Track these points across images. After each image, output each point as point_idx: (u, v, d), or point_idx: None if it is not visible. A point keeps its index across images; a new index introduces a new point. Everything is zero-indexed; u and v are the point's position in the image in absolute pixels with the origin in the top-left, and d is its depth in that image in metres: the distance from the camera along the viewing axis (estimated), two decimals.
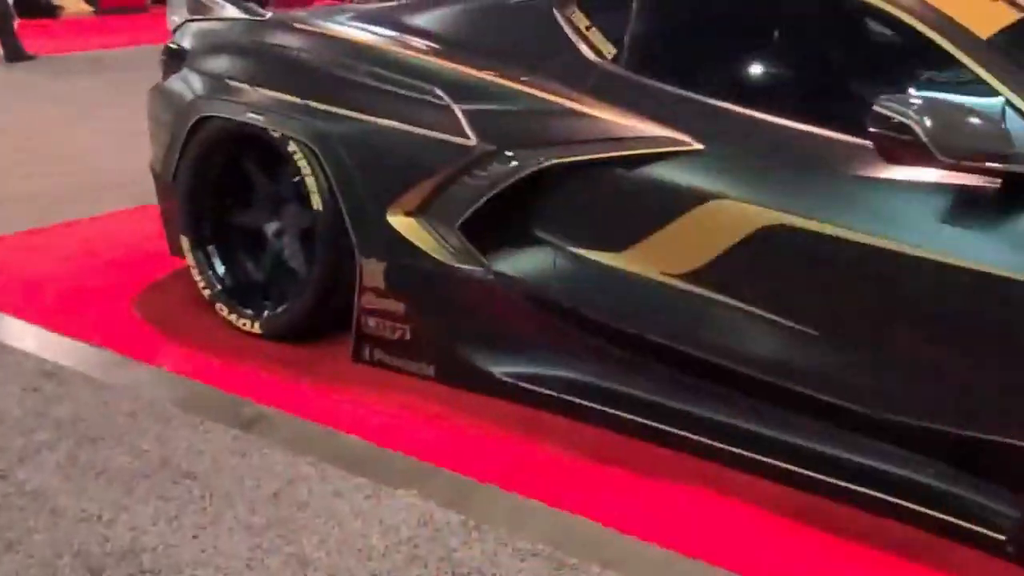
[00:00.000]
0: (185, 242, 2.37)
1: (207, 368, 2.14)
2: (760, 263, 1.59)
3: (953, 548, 1.40)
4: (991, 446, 1.35)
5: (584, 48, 1.89)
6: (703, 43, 2.00)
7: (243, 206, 2.36)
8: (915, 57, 1.71)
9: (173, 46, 2.46)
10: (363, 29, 2.20)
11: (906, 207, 1.46)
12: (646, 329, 1.70)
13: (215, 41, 2.38)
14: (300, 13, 2.55)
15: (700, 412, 1.66)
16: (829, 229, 1.45)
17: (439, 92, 1.92)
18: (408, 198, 1.93)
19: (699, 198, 1.60)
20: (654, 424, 1.70)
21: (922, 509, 1.42)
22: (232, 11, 2.38)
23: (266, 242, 2.34)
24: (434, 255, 1.90)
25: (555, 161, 1.74)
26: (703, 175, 1.62)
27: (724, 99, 1.70)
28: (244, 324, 2.28)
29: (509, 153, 1.79)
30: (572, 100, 1.80)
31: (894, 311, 1.47)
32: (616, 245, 1.74)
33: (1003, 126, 1.31)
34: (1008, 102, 1.38)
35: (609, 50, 1.88)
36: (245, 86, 2.16)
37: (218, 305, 2.33)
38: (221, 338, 2.28)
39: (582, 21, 1.94)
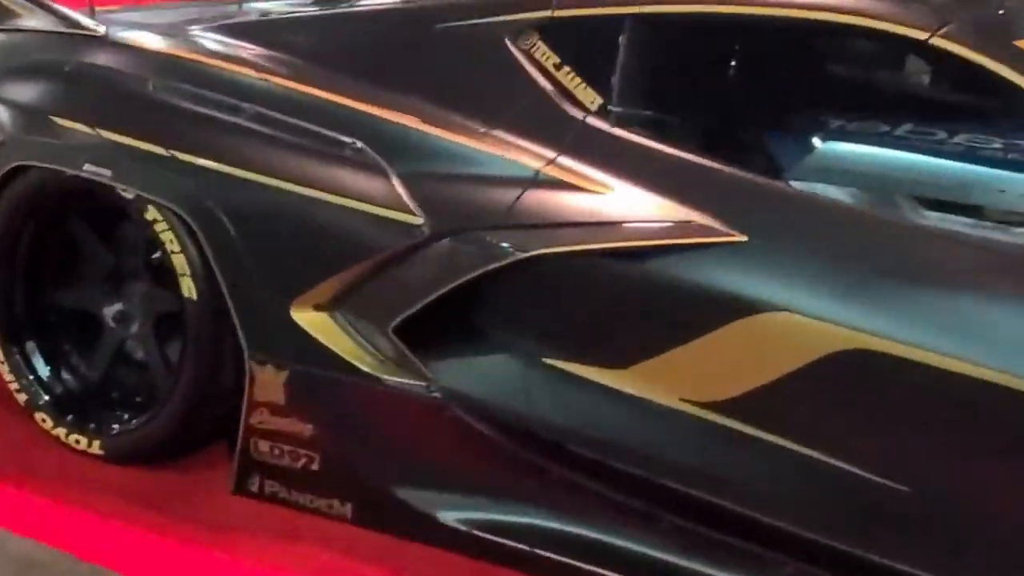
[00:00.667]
0: None
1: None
2: (829, 395, 1.21)
3: None
4: None
5: (555, 94, 1.47)
6: (737, 95, 1.61)
7: (68, 282, 1.76)
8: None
9: None
10: (243, 53, 1.67)
11: None
12: (652, 468, 1.31)
13: (29, 61, 1.74)
14: (141, 20, 1.91)
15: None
16: (935, 360, 1.10)
17: (363, 147, 1.44)
18: (321, 289, 1.43)
19: (744, 308, 1.21)
20: None
21: None
22: (47, 20, 1.75)
23: (102, 330, 1.74)
24: (356, 363, 1.41)
25: (542, 251, 1.29)
26: (749, 277, 1.24)
27: (772, 175, 1.33)
28: (78, 442, 1.68)
29: (471, 236, 1.33)
30: (552, 165, 1.37)
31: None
32: (615, 360, 1.32)
33: None
34: None
35: (592, 99, 1.46)
36: (81, 127, 1.55)
37: (39, 416, 1.72)
38: (45, 464, 1.67)
39: (549, 58, 1.52)
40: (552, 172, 1.36)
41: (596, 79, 1.46)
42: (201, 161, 1.46)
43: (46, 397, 1.72)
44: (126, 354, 1.75)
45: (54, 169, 1.59)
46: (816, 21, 1.43)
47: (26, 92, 1.69)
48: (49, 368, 1.75)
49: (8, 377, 1.74)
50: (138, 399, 1.71)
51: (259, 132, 1.50)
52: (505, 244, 1.30)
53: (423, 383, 1.40)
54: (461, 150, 1.43)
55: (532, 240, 1.31)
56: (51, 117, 1.59)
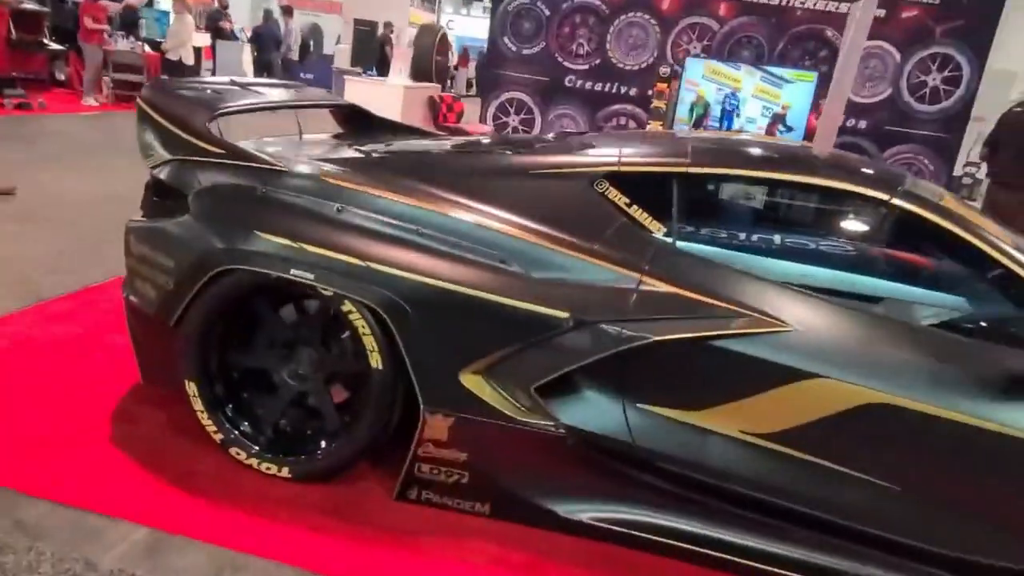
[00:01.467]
0: (192, 387, 2.26)
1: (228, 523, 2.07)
2: (851, 431, 1.92)
3: None
4: None
5: (632, 225, 2.15)
6: (767, 229, 2.35)
7: (248, 348, 2.31)
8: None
9: (163, 183, 2.31)
10: (396, 185, 2.23)
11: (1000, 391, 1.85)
12: (715, 474, 2.03)
13: (231, 189, 2.26)
14: (319, 162, 2.38)
15: (751, 542, 2.04)
16: (931, 409, 1.84)
17: (511, 261, 2.07)
18: (483, 361, 2.05)
19: (794, 375, 1.91)
20: (710, 553, 2.04)
21: None
22: (236, 155, 2.29)
23: (280, 385, 2.31)
24: (506, 411, 2.05)
25: (655, 339, 1.95)
26: (798, 355, 1.93)
27: (790, 284, 2.04)
28: (268, 469, 2.24)
29: (603, 328, 1.98)
30: (646, 276, 2.04)
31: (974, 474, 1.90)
32: (694, 406, 2.02)
33: None
34: None
35: (658, 228, 2.15)
36: (284, 240, 2.10)
37: (234, 450, 2.26)
38: (243, 488, 2.21)
39: (619, 197, 2.19)
40: (648, 280, 2.04)
41: (657, 214, 2.15)
42: (392, 270, 2.04)
43: (239, 436, 2.26)
44: (296, 400, 2.31)
45: (258, 272, 2.12)
46: (797, 182, 2.20)
47: (226, 211, 2.20)
48: (238, 413, 2.29)
49: (206, 422, 2.27)
50: (311, 434, 2.28)
51: (432, 248, 2.10)
52: (627, 332, 1.97)
53: (551, 423, 2.06)
54: (579, 263, 2.08)
55: (644, 330, 1.97)
56: (256, 232, 2.12)
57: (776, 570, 2.00)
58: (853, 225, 2.47)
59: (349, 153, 2.56)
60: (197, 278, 2.14)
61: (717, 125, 6.22)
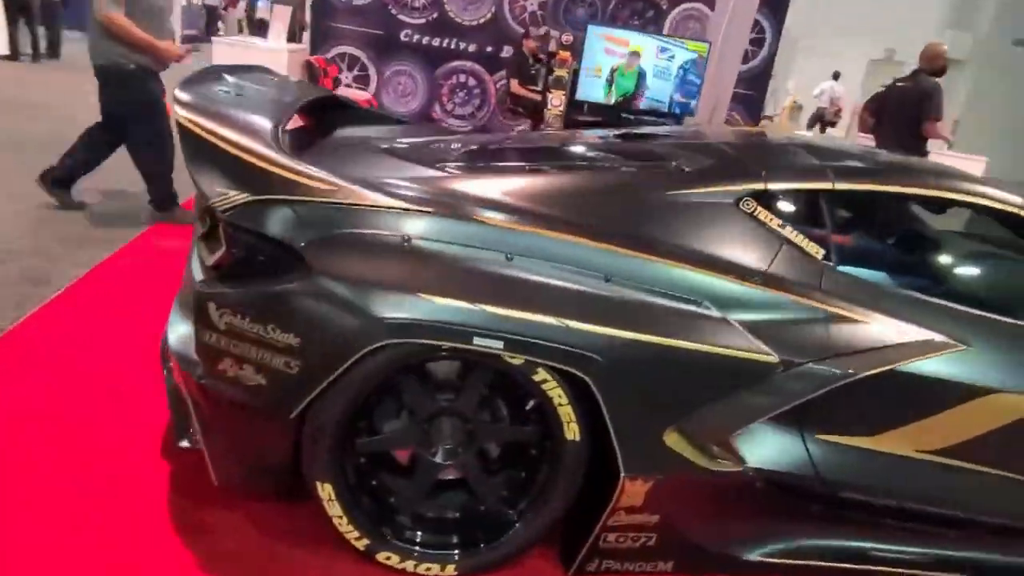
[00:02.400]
0: (327, 490, 1.81)
1: None
2: (1017, 439, 2.03)
3: None
4: None
5: (792, 248, 2.05)
6: (923, 253, 2.32)
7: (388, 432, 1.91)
8: None
9: (248, 231, 1.75)
10: (573, 227, 1.92)
11: None
12: (892, 495, 2.07)
13: (369, 240, 1.78)
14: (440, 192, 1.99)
15: (918, 551, 2.12)
16: None
17: (707, 303, 1.88)
18: (688, 416, 1.87)
19: (972, 393, 1.97)
20: (884, 569, 2.10)
21: None
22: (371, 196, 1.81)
23: (424, 469, 1.93)
24: (706, 465, 1.90)
25: (864, 375, 1.89)
26: (976, 373, 1.99)
27: (960, 303, 2.08)
28: (429, 569, 1.88)
29: (813, 367, 1.88)
30: (829, 305, 1.96)
31: None
32: (872, 431, 2.01)
33: None
34: None
35: (816, 250, 2.07)
36: (461, 304, 1.70)
37: (384, 554, 1.86)
38: None
39: (771, 219, 2.08)
40: (832, 310, 1.96)
41: (812, 234, 2.07)
42: (591, 327, 1.75)
43: (388, 537, 1.86)
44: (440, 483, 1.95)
45: (427, 344, 1.72)
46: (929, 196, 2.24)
47: (375, 271, 1.73)
48: (380, 510, 1.88)
49: (346, 528, 1.84)
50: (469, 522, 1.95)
51: (625, 297, 1.83)
52: (836, 371, 1.89)
53: (741, 468, 1.95)
54: (768, 299, 1.94)
55: (849, 365, 1.90)
56: (422, 295, 1.70)
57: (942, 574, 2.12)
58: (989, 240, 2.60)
59: (428, 171, 2.14)
60: (344, 358, 1.68)
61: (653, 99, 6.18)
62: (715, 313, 1.88)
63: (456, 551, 1.92)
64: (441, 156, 2.36)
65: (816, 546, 2.09)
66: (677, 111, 6.30)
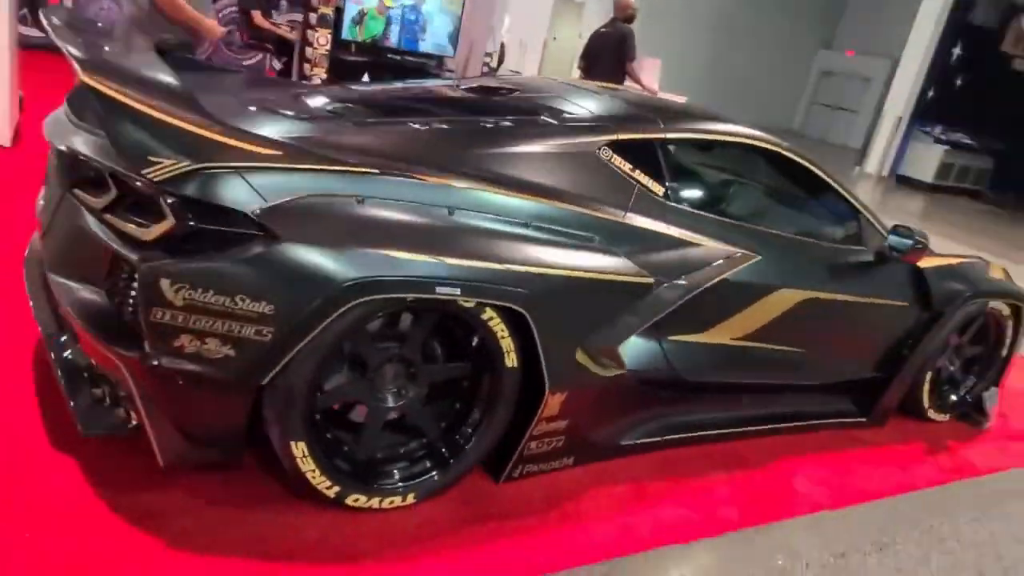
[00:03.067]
0: (300, 448, 1.88)
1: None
2: (791, 321, 2.74)
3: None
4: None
5: (643, 189, 2.50)
6: (723, 185, 2.84)
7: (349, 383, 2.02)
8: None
9: (189, 200, 1.69)
10: (489, 178, 2.16)
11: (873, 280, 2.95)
12: (718, 374, 2.69)
13: (326, 203, 1.83)
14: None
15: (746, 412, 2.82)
16: (832, 296, 2.80)
17: (596, 239, 2.25)
18: (595, 336, 2.24)
19: (764, 291, 2.63)
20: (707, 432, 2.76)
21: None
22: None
23: (375, 412, 2.07)
24: (603, 374, 2.32)
25: (707, 285, 2.42)
26: (767, 276, 2.63)
27: (750, 223, 2.73)
28: (393, 502, 2.07)
29: (675, 283, 2.36)
30: (675, 233, 2.46)
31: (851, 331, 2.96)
32: (703, 328, 2.58)
33: None
34: None
35: (658, 188, 2.54)
36: (424, 257, 1.84)
37: (352, 497, 2.00)
38: (384, 533, 2.00)
39: (623, 163, 2.51)
40: (678, 237, 2.46)
41: (655, 178, 2.53)
42: (526, 268, 2.01)
43: (352, 480, 1.99)
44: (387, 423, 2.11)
45: (394, 298, 1.85)
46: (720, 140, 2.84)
47: (338, 231, 1.79)
48: (343, 456, 1.99)
49: (319, 479, 1.93)
50: (420, 453, 2.14)
51: (544, 239, 2.11)
52: (687, 284, 2.39)
53: (624, 372, 2.40)
54: (635, 232, 2.37)
55: (703, 280, 2.42)
56: (387, 252, 1.81)
57: (744, 429, 2.85)
58: (762, 171, 3.23)
59: (347, 130, 2.19)
60: (321, 319, 1.74)
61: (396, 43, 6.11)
62: (606, 247, 2.26)
63: (412, 482, 2.10)
64: (340, 114, 2.39)
65: (671, 423, 2.66)
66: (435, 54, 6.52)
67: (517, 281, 2.01)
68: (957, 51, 14.26)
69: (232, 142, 1.79)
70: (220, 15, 8.44)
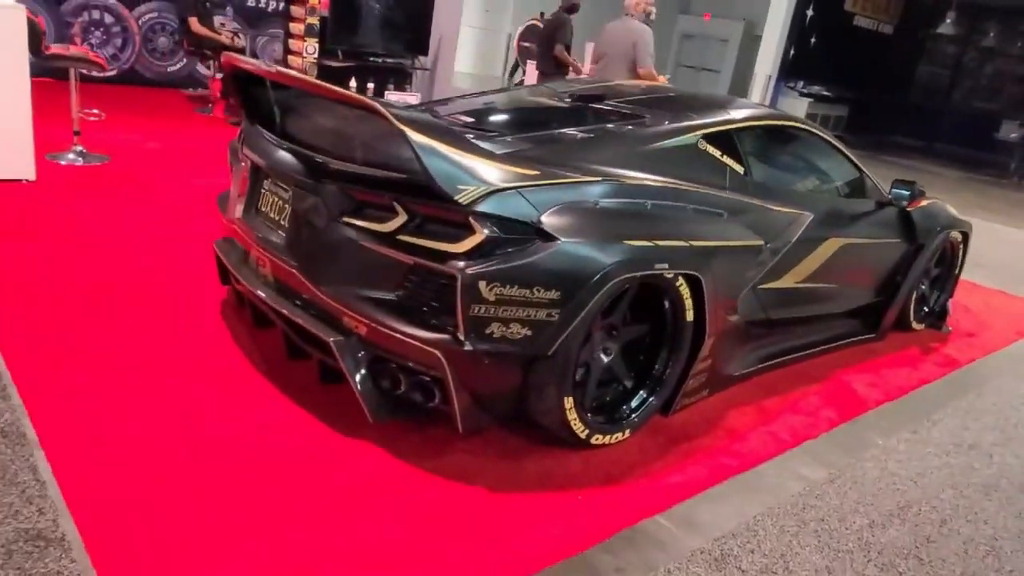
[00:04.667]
0: (570, 402, 2.38)
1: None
2: (831, 263, 3.44)
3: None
4: None
5: (731, 171, 3.11)
6: (776, 159, 3.50)
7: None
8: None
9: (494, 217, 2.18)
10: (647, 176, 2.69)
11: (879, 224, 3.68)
12: (792, 310, 3.39)
13: (579, 208, 2.37)
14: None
15: (814, 337, 3.55)
16: (857, 240, 3.54)
17: (725, 214, 2.86)
18: (730, 290, 2.86)
19: (818, 241, 3.32)
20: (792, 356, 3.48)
21: None
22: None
23: (608, 367, 2.63)
24: (732, 319, 2.95)
25: (792, 241, 3.10)
26: (819, 229, 3.30)
27: (799, 188, 3.46)
28: (618, 437, 2.61)
29: (772, 243, 3.00)
30: (759, 202, 3.06)
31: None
32: (780, 276, 3.22)
33: None
34: None
35: (740, 168, 3.17)
36: (645, 243, 2.38)
37: (596, 437, 2.53)
38: (620, 460, 2.54)
39: (716, 151, 3.12)
40: (760, 205, 3.10)
41: (737, 160, 3.16)
42: (700, 242, 2.61)
43: (600, 424, 2.53)
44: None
45: (634, 276, 2.39)
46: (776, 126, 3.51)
47: (593, 230, 2.31)
48: (593, 406, 2.55)
49: (578, 426, 2.44)
50: (622, 395, 2.69)
51: (702, 218, 2.70)
52: (779, 244, 3.05)
53: (739, 317, 3.04)
54: (741, 205, 2.98)
55: (782, 239, 3.08)
56: (625, 242, 2.34)
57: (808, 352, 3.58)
58: (796, 144, 3.89)
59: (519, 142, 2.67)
60: (591, 297, 2.25)
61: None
62: (731, 219, 2.87)
63: (624, 421, 2.66)
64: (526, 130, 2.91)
65: (764, 354, 3.33)
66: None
67: (697, 253, 2.60)
68: (810, 13, 15.88)
69: (508, 167, 2.24)
70: (140, 22, 8.28)
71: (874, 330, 4.08)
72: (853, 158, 3.87)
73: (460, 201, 2.12)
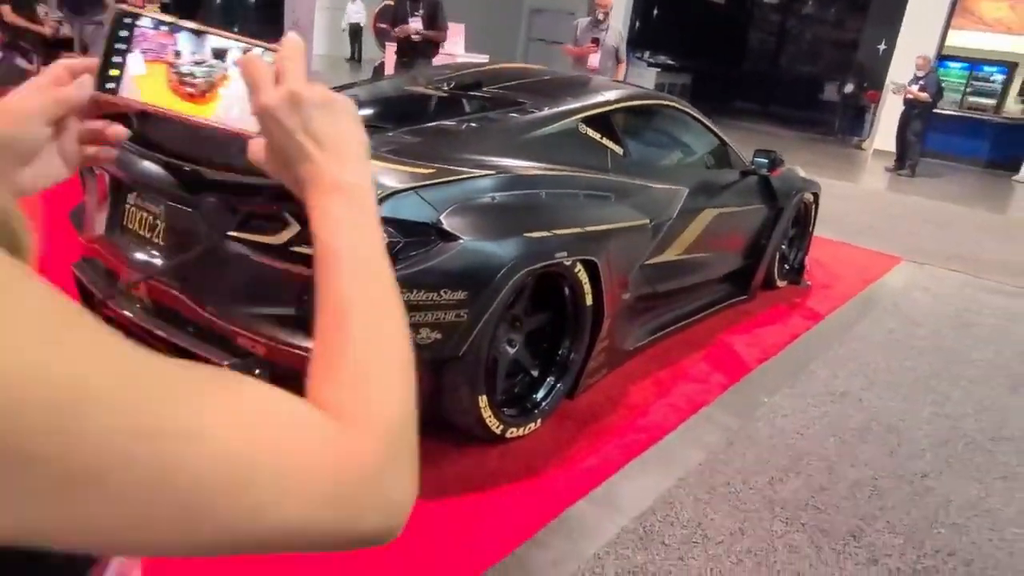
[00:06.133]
0: (483, 400, 2.37)
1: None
2: (707, 232, 3.60)
3: None
4: None
5: (611, 153, 3.18)
6: (650, 138, 3.55)
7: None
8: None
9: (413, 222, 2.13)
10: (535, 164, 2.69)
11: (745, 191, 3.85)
12: (674, 281, 3.53)
13: (478, 204, 2.32)
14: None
15: (694, 304, 3.71)
16: (728, 208, 3.71)
17: (612, 197, 2.92)
18: (625, 270, 2.94)
19: (697, 211, 3.46)
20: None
21: None
22: None
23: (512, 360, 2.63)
24: (624, 297, 3.04)
25: (672, 217, 3.20)
26: (695, 202, 3.42)
27: (674, 163, 3.55)
28: (531, 428, 2.64)
29: (655, 221, 3.10)
30: (640, 181, 3.15)
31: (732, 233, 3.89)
32: (663, 250, 3.32)
33: None
34: None
35: (619, 149, 3.24)
36: (543, 233, 2.37)
37: (510, 431, 2.54)
38: (536, 451, 2.56)
39: (595, 134, 3.18)
40: (642, 184, 3.19)
41: (616, 142, 3.23)
42: (595, 227, 2.65)
43: (512, 417, 2.53)
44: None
45: (535, 268, 2.38)
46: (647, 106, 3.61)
47: (493, 225, 2.27)
48: (504, 399, 2.53)
49: (492, 422, 2.43)
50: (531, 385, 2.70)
51: (595, 203, 2.74)
52: (662, 221, 3.17)
53: (631, 294, 3.14)
54: (627, 187, 3.05)
55: (671, 215, 3.19)
56: (525, 234, 2.33)
57: (691, 319, 3.76)
58: (667, 122, 3.98)
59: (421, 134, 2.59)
60: (497, 294, 2.23)
61: None
62: (617, 201, 2.94)
63: (535, 411, 2.67)
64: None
65: (652, 326, 3.46)
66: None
67: (592, 238, 2.64)
68: None
69: (401, 167, 2.16)
70: None
71: (745, 291, 4.33)
72: (716, 130, 4.06)
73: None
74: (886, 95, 13.65)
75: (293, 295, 2.14)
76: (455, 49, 7.44)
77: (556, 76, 3.75)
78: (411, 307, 2.09)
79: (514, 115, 2.99)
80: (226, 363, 2.19)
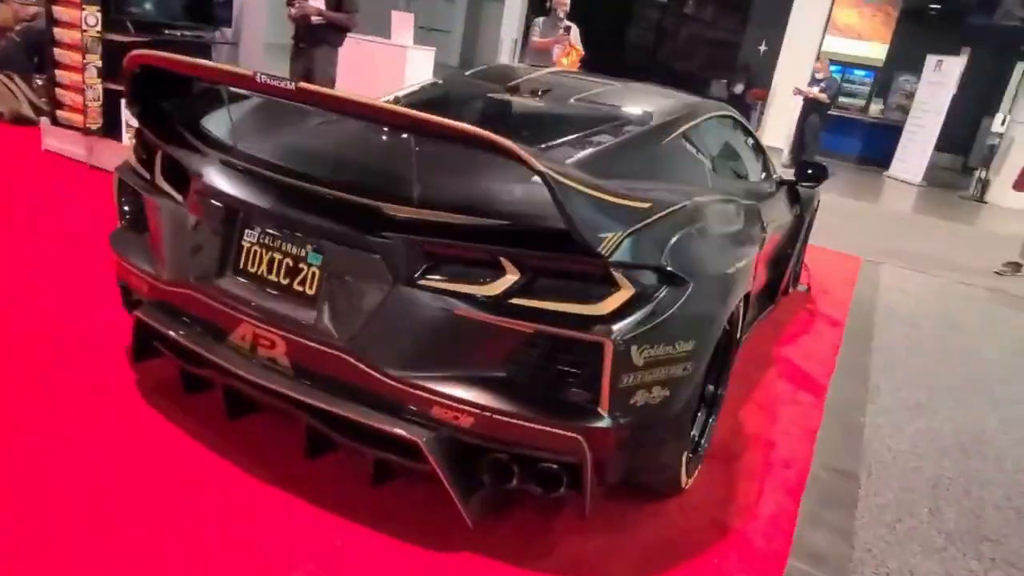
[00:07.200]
0: (685, 456, 2.12)
1: None
2: (772, 246, 3.52)
3: None
4: None
5: (707, 168, 3.00)
6: (725, 159, 3.37)
7: None
8: None
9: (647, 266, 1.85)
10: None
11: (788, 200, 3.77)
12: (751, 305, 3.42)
13: (694, 242, 2.13)
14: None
15: None
16: (782, 221, 3.61)
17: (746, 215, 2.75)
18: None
19: (767, 226, 3.37)
20: None
21: None
22: None
23: None
24: None
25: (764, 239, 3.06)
26: (766, 216, 3.27)
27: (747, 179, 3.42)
28: (699, 470, 2.41)
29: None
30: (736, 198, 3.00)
31: None
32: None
33: None
34: None
35: (709, 165, 3.05)
36: (730, 270, 2.20)
37: (686, 482, 2.30)
38: None
39: (691, 148, 2.97)
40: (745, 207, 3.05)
41: (703, 155, 3.05)
42: (754, 256, 2.47)
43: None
44: None
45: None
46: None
47: (706, 266, 2.06)
48: None
49: (683, 474, 2.18)
50: None
51: (752, 227, 2.55)
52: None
53: None
54: (743, 205, 2.88)
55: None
56: (726, 271, 2.11)
57: None
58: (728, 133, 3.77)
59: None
60: (713, 341, 2.00)
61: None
62: (747, 224, 2.77)
63: (701, 445, 2.46)
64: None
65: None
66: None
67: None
68: None
69: (626, 202, 1.86)
70: None
71: (773, 299, 4.32)
72: (757, 137, 3.99)
73: (601, 252, 1.71)
74: (774, 95, 14.48)
75: (505, 355, 1.79)
76: (403, 41, 6.92)
77: (627, 85, 3.49)
78: (651, 364, 1.81)
79: (633, 128, 2.73)
80: (421, 437, 1.80)
